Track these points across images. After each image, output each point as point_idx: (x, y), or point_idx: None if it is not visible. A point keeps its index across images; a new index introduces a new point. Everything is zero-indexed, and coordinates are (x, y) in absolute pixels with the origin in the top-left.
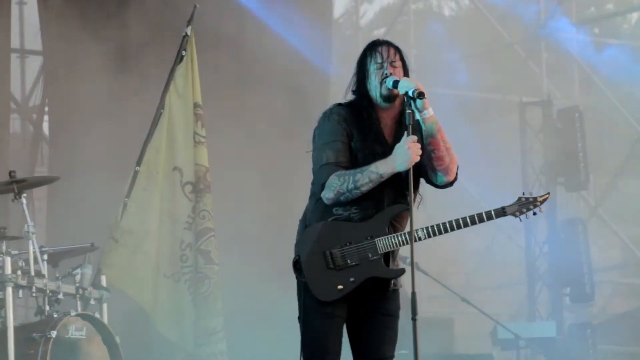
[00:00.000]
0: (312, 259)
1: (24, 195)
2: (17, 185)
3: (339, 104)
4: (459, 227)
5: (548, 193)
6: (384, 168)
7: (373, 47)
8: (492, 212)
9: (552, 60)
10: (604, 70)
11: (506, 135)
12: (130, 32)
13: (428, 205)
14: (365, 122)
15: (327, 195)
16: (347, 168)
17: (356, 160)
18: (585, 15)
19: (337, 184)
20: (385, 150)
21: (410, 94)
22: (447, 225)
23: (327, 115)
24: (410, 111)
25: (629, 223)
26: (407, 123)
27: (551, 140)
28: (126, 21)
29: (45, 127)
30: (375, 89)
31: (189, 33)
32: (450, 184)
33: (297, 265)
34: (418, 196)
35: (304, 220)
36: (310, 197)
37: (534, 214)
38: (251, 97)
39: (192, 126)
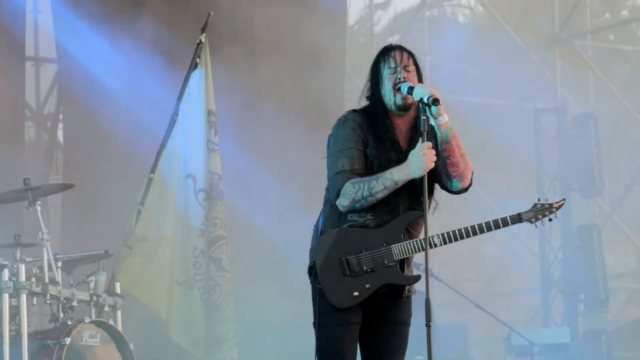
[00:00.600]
0: (328, 266)
1: (39, 202)
2: (32, 193)
3: (354, 110)
4: (474, 233)
5: (564, 199)
6: (399, 175)
7: (386, 52)
8: (508, 219)
9: (566, 67)
10: (618, 76)
11: (521, 142)
12: (144, 39)
13: (443, 211)
14: (380, 129)
15: (342, 202)
16: (362, 175)
17: (372, 167)
18: (600, 22)
19: (352, 192)
20: (400, 156)
21: (425, 100)
22: (463, 231)
23: (342, 122)
24: (425, 117)
25: None
26: (421, 129)
27: (566, 146)
28: (141, 28)
29: (60, 134)
30: (389, 95)
31: (203, 40)
32: (465, 189)
33: (312, 271)
34: (433, 202)
35: (319, 226)
36: (325, 203)
37: (550, 220)
38: (265, 105)
39: (206, 133)
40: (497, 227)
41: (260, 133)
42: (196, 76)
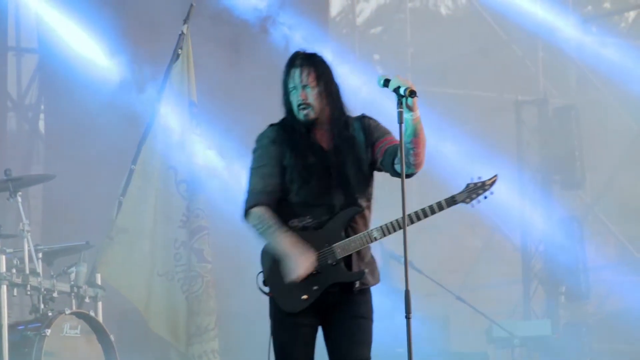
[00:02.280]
0: (274, 274)
1: (20, 193)
2: (13, 184)
3: (272, 125)
4: (412, 221)
5: (496, 175)
6: (280, 247)
7: (290, 67)
8: (443, 202)
9: (548, 59)
10: (600, 68)
11: (502, 134)
12: (126, 30)
13: (423, 202)
14: (297, 138)
15: (248, 221)
16: (270, 193)
17: (292, 176)
18: (582, 14)
19: (254, 221)
20: (324, 159)
21: (401, 92)
22: (401, 221)
23: (259, 139)
24: (400, 110)
25: (625, 221)
26: (398, 123)
27: (547, 138)
28: (123, 18)
29: (41, 125)
30: (295, 110)
31: (185, 31)
32: (415, 173)
33: (260, 278)
34: (373, 199)
35: None
36: None
37: (485, 197)
38: (246, 94)
39: (188, 124)
40: (432, 212)
41: (240, 124)
42: (178, 67)
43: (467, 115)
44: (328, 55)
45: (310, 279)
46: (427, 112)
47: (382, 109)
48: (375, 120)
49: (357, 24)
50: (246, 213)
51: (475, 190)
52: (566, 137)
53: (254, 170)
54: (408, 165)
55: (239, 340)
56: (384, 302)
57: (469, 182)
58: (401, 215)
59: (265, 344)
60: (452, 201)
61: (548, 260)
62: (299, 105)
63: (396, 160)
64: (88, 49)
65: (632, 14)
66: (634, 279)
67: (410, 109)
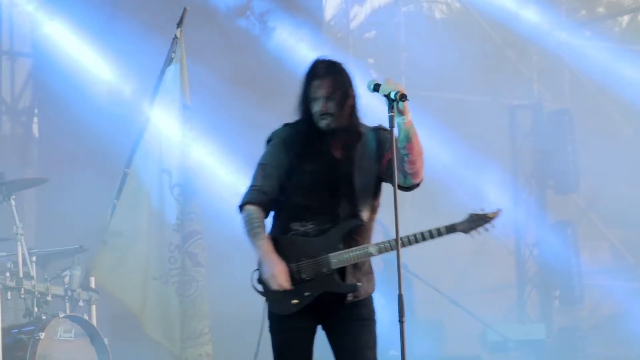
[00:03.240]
0: None
1: (13, 197)
2: (6, 187)
3: (286, 124)
4: (409, 243)
5: (499, 209)
6: (260, 253)
7: (312, 77)
8: (442, 229)
9: (542, 63)
10: (594, 73)
11: (496, 138)
12: (119, 34)
13: (418, 207)
14: (310, 143)
15: (240, 214)
16: (268, 193)
17: (303, 179)
18: (576, 18)
19: (245, 219)
20: (333, 166)
21: (392, 96)
22: (394, 242)
23: (271, 137)
24: (392, 114)
25: (619, 226)
26: (389, 127)
27: (541, 143)
28: (116, 22)
29: (35, 129)
30: (316, 118)
31: (178, 35)
32: (417, 185)
33: (256, 277)
34: (377, 211)
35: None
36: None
37: (486, 229)
38: (240, 99)
39: (181, 128)
40: (431, 237)
41: (234, 129)
42: (171, 71)
43: (461, 119)
44: None
45: (303, 284)
46: (422, 116)
47: (375, 113)
48: (390, 132)
49: (351, 28)
50: (241, 207)
51: (477, 221)
52: (560, 142)
53: (260, 166)
54: (405, 174)
55: (232, 345)
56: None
57: (471, 212)
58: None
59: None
60: (451, 229)
61: (542, 264)
62: (321, 115)
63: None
64: (81, 53)
65: (625, 19)
66: (628, 283)
67: (401, 112)
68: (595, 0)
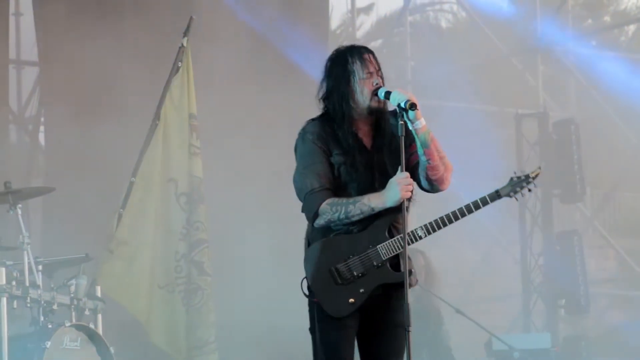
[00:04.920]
0: (319, 278)
1: (20, 205)
2: (13, 196)
3: (312, 120)
4: (456, 218)
5: (539, 167)
6: (375, 202)
7: (358, 53)
8: (487, 197)
9: (548, 73)
10: (600, 82)
11: (502, 147)
12: (125, 42)
13: (421, 214)
14: (343, 135)
15: (319, 222)
16: (329, 190)
17: (339, 173)
18: (582, 28)
19: (329, 213)
20: (367, 158)
21: (402, 105)
22: (445, 218)
23: (302, 135)
24: (402, 122)
25: (625, 235)
26: (399, 134)
27: (547, 152)
28: (123, 30)
29: (42, 137)
30: (363, 97)
31: (185, 44)
32: (443, 189)
33: (304, 284)
34: (414, 196)
35: (308, 237)
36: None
37: (529, 190)
38: (247, 109)
39: (187, 137)
40: (477, 207)
41: (241, 138)
42: (178, 80)
43: (467, 128)
44: None
45: (355, 282)
46: (427, 125)
47: None
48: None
49: (357, 37)
50: (315, 215)
51: (519, 183)
52: (566, 151)
53: (306, 169)
54: (429, 182)
55: (238, 354)
56: None
57: (512, 175)
58: (446, 212)
59: (264, 356)
60: (496, 195)
61: (548, 273)
62: (376, 89)
63: (421, 176)
64: (87, 61)
65: (632, 28)
66: (634, 292)
67: (412, 121)
68: (601, 10)
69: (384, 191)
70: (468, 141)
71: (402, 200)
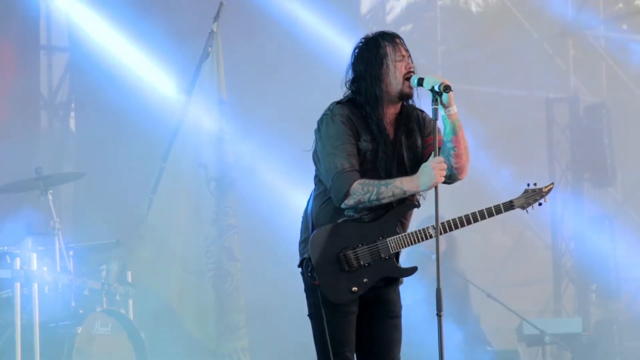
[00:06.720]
0: (324, 263)
1: (51, 191)
2: (44, 182)
3: (338, 102)
4: (469, 222)
5: (552, 183)
6: (408, 186)
7: (391, 38)
8: (501, 206)
9: (579, 57)
10: (631, 66)
11: (533, 132)
12: (156, 27)
13: (455, 200)
14: (372, 120)
15: (348, 202)
16: (358, 171)
17: (365, 158)
18: (613, 12)
19: (360, 193)
20: (391, 147)
21: (436, 88)
22: (457, 221)
23: (330, 116)
24: (436, 107)
25: None
26: (433, 119)
27: (578, 136)
28: (153, 16)
29: (72, 123)
30: (396, 82)
31: (215, 29)
32: (457, 180)
33: (306, 266)
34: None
35: (309, 218)
36: (318, 195)
37: (540, 204)
38: (277, 94)
39: (218, 122)
40: (490, 215)
41: (271, 124)
42: (208, 65)
43: (497, 113)
44: None
45: (360, 271)
46: (457, 110)
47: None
48: (427, 114)
49: (387, 22)
50: (346, 195)
51: (533, 196)
52: (597, 135)
53: (336, 149)
54: (450, 169)
55: (268, 338)
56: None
57: (526, 187)
58: (459, 215)
59: (293, 341)
60: (509, 206)
61: (579, 258)
62: (407, 73)
63: None
64: (118, 47)
65: None
66: None
67: (446, 105)
68: None
69: (417, 175)
70: (498, 126)
71: (436, 184)
